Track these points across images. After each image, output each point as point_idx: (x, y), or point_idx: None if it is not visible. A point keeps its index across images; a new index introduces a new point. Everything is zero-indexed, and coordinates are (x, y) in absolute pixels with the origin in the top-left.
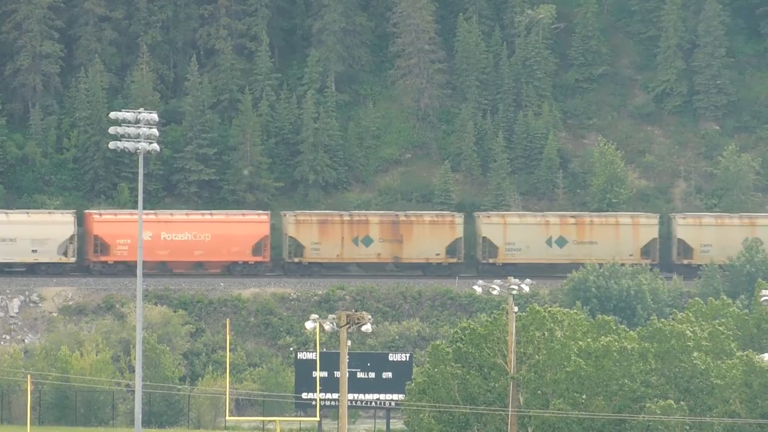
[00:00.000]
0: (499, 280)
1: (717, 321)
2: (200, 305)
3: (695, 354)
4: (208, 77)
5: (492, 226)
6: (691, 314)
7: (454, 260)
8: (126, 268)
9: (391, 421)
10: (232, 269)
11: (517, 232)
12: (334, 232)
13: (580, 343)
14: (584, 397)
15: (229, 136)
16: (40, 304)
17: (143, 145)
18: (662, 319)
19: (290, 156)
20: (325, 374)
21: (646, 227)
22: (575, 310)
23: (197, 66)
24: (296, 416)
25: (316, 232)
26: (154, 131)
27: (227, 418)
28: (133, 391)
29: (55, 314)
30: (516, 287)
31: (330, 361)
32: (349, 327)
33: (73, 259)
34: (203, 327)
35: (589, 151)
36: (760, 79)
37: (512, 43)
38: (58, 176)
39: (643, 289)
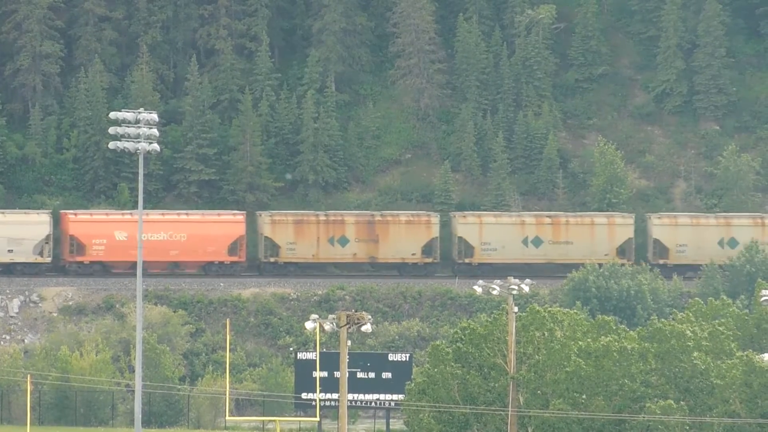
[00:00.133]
0: (499, 281)
1: (717, 321)
2: (200, 305)
3: (695, 354)
4: (208, 77)
5: (468, 225)
6: (691, 314)
7: (430, 260)
8: (102, 269)
9: (390, 421)
10: (207, 269)
11: (493, 232)
12: (310, 232)
13: (580, 343)
14: (584, 397)
15: (229, 137)
16: (40, 304)
17: (143, 145)
18: (662, 319)
19: (290, 156)
20: (324, 374)
21: (621, 227)
22: (575, 310)
23: (197, 66)
24: (296, 416)
25: (292, 232)
26: (154, 131)
27: (227, 418)
28: (133, 391)
29: (55, 314)
30: (516, 287)
31: (330, 361)
32: (349, 327)
33: (48, 260)
34: (203, 327)
35: (589, 151)
36: (760, 79)
37: (512, 43)
38: (58, 176)
39: (643, 289)
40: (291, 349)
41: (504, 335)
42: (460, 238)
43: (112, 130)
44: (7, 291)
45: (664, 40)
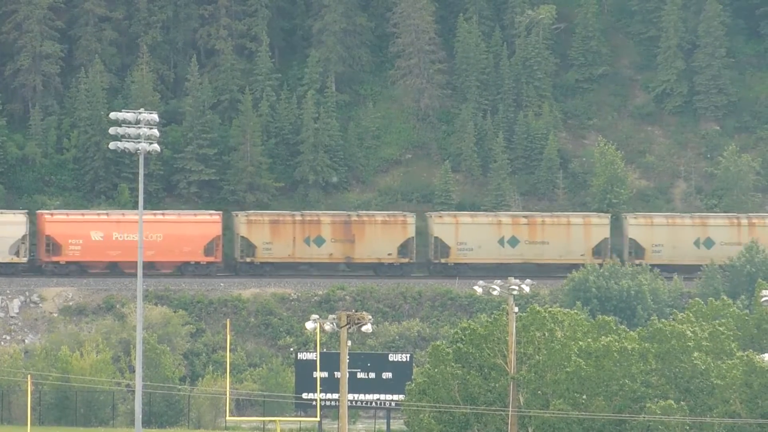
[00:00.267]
0: (499, 281)
1: (717, 321)
2: (200, 305)
3: (695, 354)
4: (209, 77)
5: (444, 225)
6: (691, 314)
7: (406, 260)
8: (78, 269)
9: (391, 421)
10: (183, 269)
11: (469, 232)
12: (286, 232)
13: (581, 343)
14: (584, 397)
15: (229, 137)
16: (40, 305)
17: (143, 146)
18: (662, 320)
19: (290, 156)
20: (325, 374)
21: (597, 227)
22: (575, 311)
23: (197, 66)
24: (296, 416)
25: (268, 232)
26: (155, 131)
27: (227, 418)
28: (134, 391)
29: (55, 314)
30: (516, 287)
31: (330, 361)
32: (350, 327)
33: (24, 260)
34: (203, 327)
35: (590, 151)
36: (760, 80)
37: (512, 44)
38: (58, 176)
39: (643, 289)
40: (291, 349)
41: (504, 335)
42: (436, 238)
43: (112, 130)
44: (8, 291)
45: (664, 41)
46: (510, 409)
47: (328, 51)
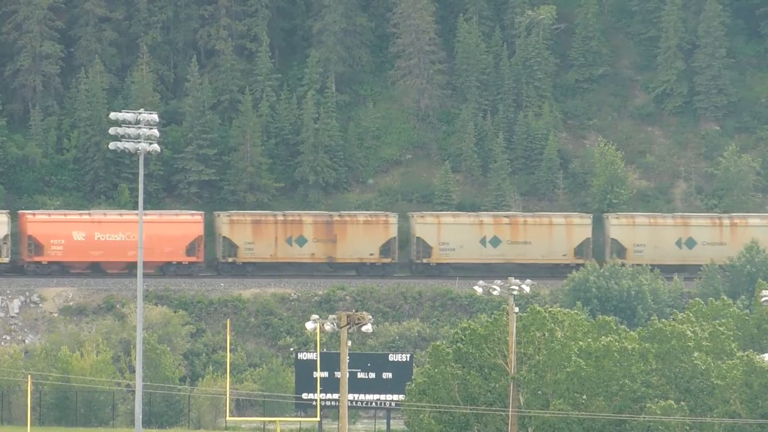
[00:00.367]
0: (499, 280)
1: (717, 321)
2: (200, 305)
3: (696, 354)
4: (209, 78)
5: (426, 225)
6: (691, 314)
7: (389, 260)
8: (60, 269)
9: (391, 421)
10: (165, 270)
11: (451, 232)
12: (268, 232)
13: (581, 343)
14: (585, 397)
15: (229, 137)
16: (40, 305)
17: (143, 146)
18: (663, 320)
19: (290, 156)
20: (325, 374)
21: (579, 227)
22: (576, 311)
23: (197, 66)
24: (296, 417)
25: (250, 232)
26: (155, 132)
27: (227, 418)
28: (134, 391)
29: (55, 315)
30: (517, 288)
31: (330, 361)
32: (350, 327)
33: (6, 259)
34: (203, 327)
35: (590, 151)
36: (760, 80)
37: (512, 44)
38: (58, 177)
39: (643, 289)
40: (291, 349)
41: (504, 335)
42: (418, 238)
43: (112, 130)
44: (8, 291)
45: (664, 41)
46: (510, 409)
47: (328, 51)
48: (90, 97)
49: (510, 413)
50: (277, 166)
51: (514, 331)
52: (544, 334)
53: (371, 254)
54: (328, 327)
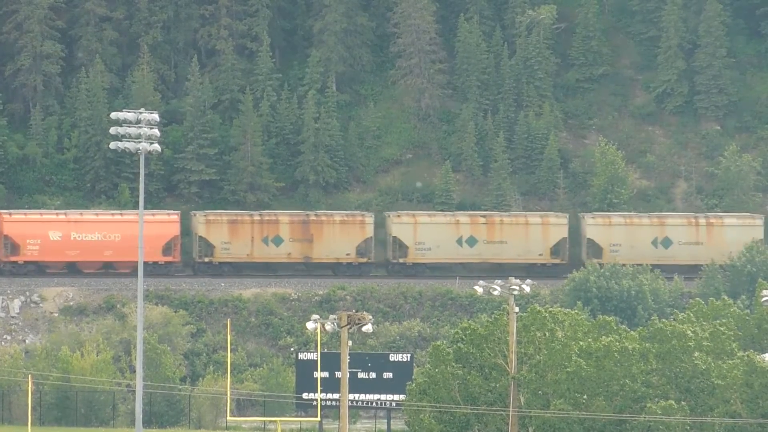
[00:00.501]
0: (500, 281)
1: (718, 321)
2: (201, 305)
3: (696, 354)
4: (209, 77)
5: (402, 225)
6: (692, 314)
7: (365, 260)
8: (36, 269)
9: (391, 421)
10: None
11: (428, 231)
12: (244, 231)
13: (581, 343)
14: (585, 397)
15: (229, 137)
16: (41, 305)
17: (144, 146)
18: (663, 320)
19: (291, 156)
20: (325, 374)
21: (555, 227)
22: (576, 311)
23: (198, 66)
24: (297, 416)
25: (226, 232)
26: (155, 131)
27: (228, 418)
28: (134, 391)
29: (55, 314)
30: (517, 288)
31: (331, 361)
32: (350, 327)
33: None
34: (204, 327)
35: (590, 151)
36: (760, 80)
37: (513, 44)
38: (58, 176)
39: (643, 289)
40: (292, 349)
41: (505, 335)
42: (394, 237)
43: (113, 130)
44: (8, 291)
45: (664, 41)
46: (510, 409)
47: (329, 51)
48: (90, 96)
49: (510, 413)
50: (278, 166)
51: (515, 331)
52: (545, 334)
53: (347, 254)
54: (328, 327)
